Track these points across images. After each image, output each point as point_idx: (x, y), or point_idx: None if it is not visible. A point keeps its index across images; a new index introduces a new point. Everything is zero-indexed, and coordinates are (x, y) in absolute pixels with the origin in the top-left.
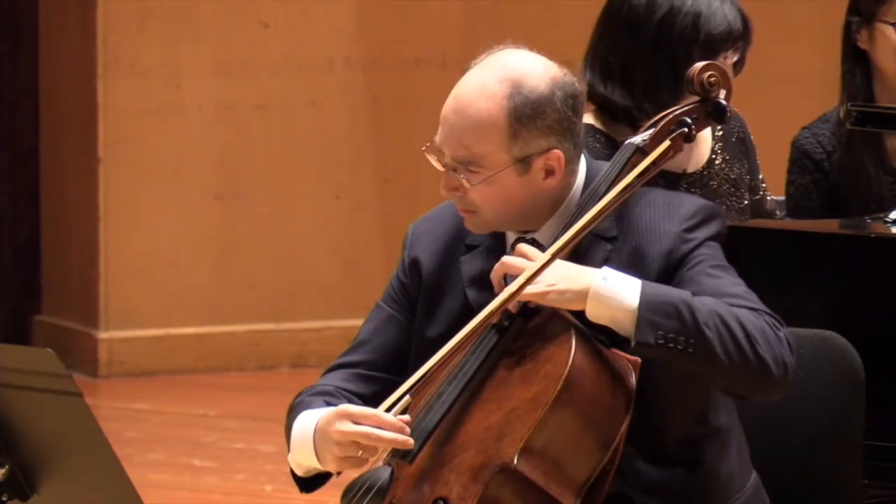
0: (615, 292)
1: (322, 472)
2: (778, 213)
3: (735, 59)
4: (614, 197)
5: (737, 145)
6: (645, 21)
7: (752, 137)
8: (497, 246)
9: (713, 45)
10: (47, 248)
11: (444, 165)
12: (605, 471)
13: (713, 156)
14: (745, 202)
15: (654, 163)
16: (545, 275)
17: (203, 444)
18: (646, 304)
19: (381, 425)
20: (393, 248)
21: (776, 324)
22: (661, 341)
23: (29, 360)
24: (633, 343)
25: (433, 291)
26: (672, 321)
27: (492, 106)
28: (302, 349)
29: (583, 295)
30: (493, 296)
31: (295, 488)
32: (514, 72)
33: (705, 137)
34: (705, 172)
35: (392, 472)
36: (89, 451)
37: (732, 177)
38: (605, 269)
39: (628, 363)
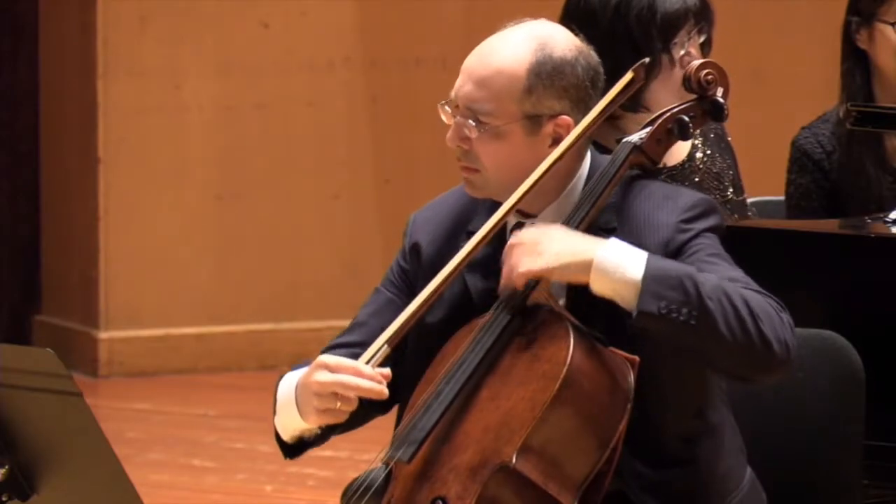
0: (619, 263)
1: (306, 439)
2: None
3: (702, 39)
4: (586, 127)
5: (716, 140)
6: (601, 10)
7: (729, 139)
8: (497, 233)
9: (670, 24)
10: (47, 248)
11: (456, 115)
12: (603, 470)
13: (693, 150)
14: (730, 195)
15: (614, 99)
16: (548, 250)
17: (203, 444)
18: (651, 275)
19: (358, 375)
20: (393, 248)
21: (779, 307)
22: (664, 311)
23: (29, 360)
24: (635, 313)
25: (432, 276)
26: (676, 293)
27: (514, 56)
28: (302, 349)
29: (586, 266)
30: (492, 282)
31: (295, 488)
32: (542, 33)
33: None
34: (686, 167)
35: (390, 472)
36: (89, 451)
37: (715, 170)
38: (611, 240)
39: (626, 362)
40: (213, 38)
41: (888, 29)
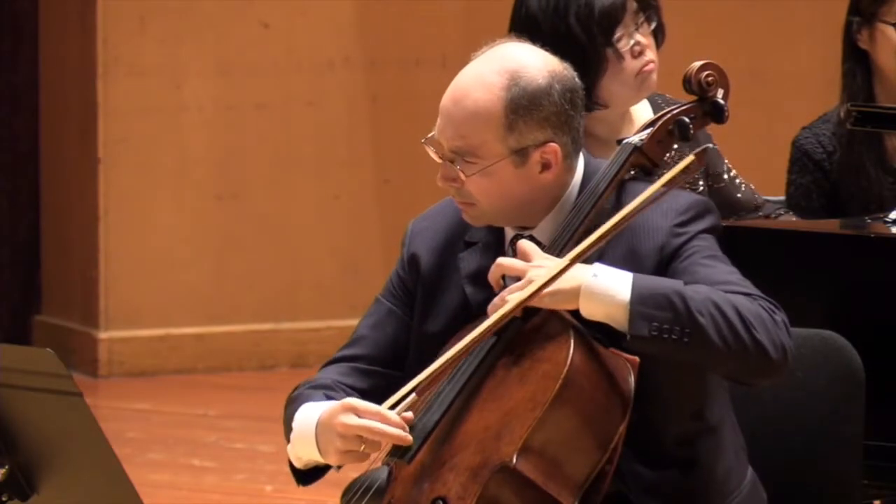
0: (607, 288)
1: (320, 466)
2: (758, 199)
3: (652, 26)
4: (635, 208)
5: None
6: (542, 15)
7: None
8: (495, 243)
9: (609, 18)
10: (47, 248)
11: (442, 157)
12: (603, 470)
13: None
14: (700, 188)
15: (682, 173)
16: (537, 280)
17: (203, 444)
18: (638, 298)
19: (385, 421)
20: (392, 248)
21: (772, 308)
22: (656, 333)
23: (29, 360)
24: (628, 337)
25: (431, 287)
26: (665, 312)
27: (489, 96)
28: (302, 349)
29: (575, 293)
30: (491, 292)
31: (295, 488)
32: (513, 63)
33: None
34: None
35: (391, 472)
36: (89, 451)
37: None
38: (596, 266)
39: (627, 362)
40: (213, 38)
41: (889, 29)
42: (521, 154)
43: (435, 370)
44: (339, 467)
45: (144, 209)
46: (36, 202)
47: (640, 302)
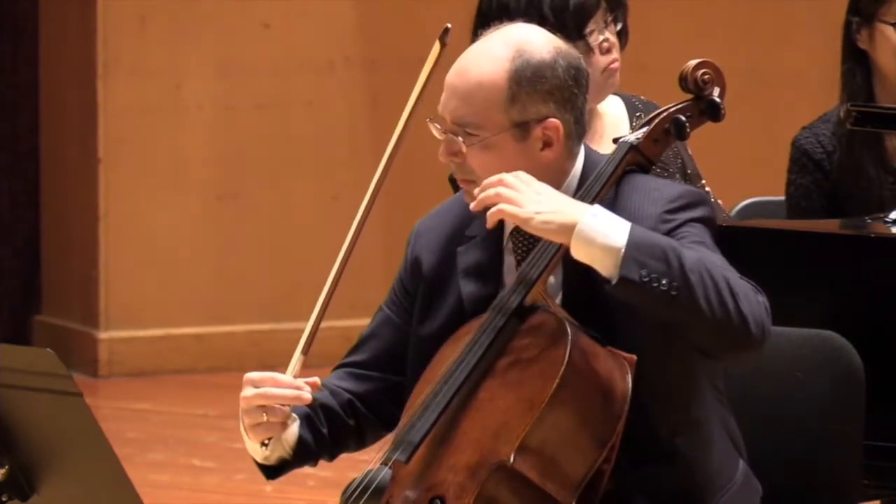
0: (603, 228)
1: (286, 459)
2: (724, 214)
3: (618, 27)
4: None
5: None
6: (515, 3)
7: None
8: (494, 236)
9: (583, 11)
10: (47, 248)
11: (445, 131)
12: (601, 469)
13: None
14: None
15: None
16: (531, 199)
17: (203, 444)
18: (633, 243)
19: (276, 384)
20: (393, 249)
21: (756, 290)
22: (646, 279)
23: (29, 360)
24: (615, 280)
25: (434, 287)
26: (659, 263)
27: (493, 67)
28: None
29: (568, 229)
30: (486, 289)
31: (295, 488)
32: (518, 38)
33: (614, 121)
34: None
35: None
36: (89, 451)
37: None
38: (596, 207)
39: (624, 361)
40: (213, 38)
41: (888, 29)
42: (522, 128)
43: (313, 323)
44: (294, 452)
45: (144, 209)
46: (36, 202)
47: (635, 247)
